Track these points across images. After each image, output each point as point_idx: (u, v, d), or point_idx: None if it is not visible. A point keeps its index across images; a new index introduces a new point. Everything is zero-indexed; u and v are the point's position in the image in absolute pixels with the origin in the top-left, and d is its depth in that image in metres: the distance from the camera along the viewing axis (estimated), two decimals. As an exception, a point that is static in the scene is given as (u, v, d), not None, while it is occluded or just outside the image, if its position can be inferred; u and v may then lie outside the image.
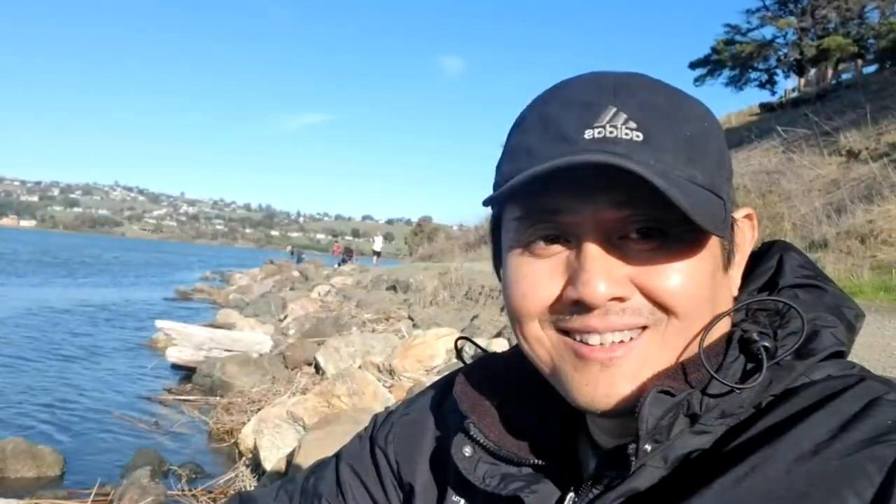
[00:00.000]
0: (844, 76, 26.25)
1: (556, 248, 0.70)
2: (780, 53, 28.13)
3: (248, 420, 6.35)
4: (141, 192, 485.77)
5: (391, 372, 7.00)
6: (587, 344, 0.68)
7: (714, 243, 0.69)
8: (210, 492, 5.25)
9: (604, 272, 0.66)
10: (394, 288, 14.47)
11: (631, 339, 0.68)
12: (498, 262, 0.79)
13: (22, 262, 40.82)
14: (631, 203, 0.65)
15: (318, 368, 8.27)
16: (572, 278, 0.68)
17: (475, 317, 9.44)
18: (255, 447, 5.56)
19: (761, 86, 30.02)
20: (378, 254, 36.91)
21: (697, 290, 0.67)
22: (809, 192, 12.27)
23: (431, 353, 7.21)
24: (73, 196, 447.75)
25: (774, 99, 27.55)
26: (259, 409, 6.59)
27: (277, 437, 5.39)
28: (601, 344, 0.68)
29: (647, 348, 0.68)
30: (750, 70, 29.42)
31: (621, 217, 0.67)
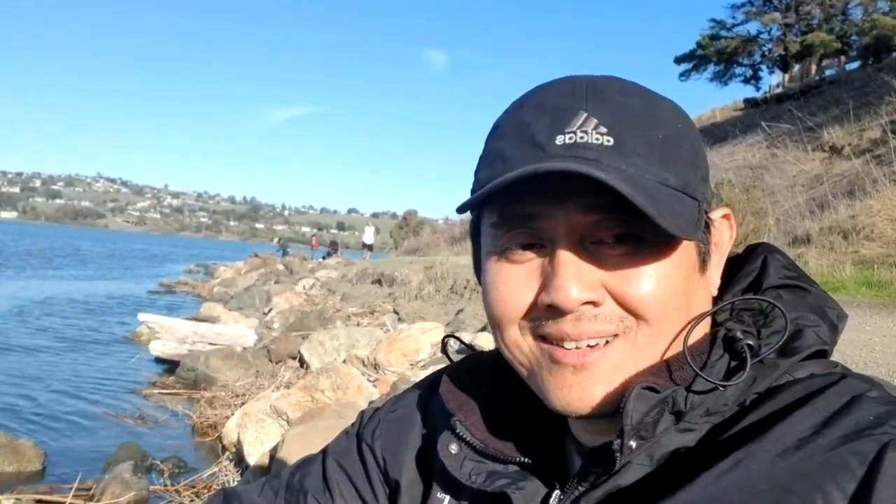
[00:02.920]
0: (828, 72, 26.50)
1: (532, 253, 0.71)
2: (765, 49, 28.36)
3: (232, 414, 6.32)
4: (124, 183, 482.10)
5: (376, 366, 6.99)
6: (562, 348, 0.69)
7: (689, 246, 0.70)
8: (193, 486, 5.22)
9: (576, 277, 0.67)
10: (379, 282, 14.45)
11: (606, 342, 0.68)
12: (478, 266, 0.81)
13: (7, 255, 40.40)
14: (602, 208, 0.66)
15: (302, 362, 8.24)
16: (546, 283, 0.69)
17: (460, 311, 9.44)
18: (239, 441, 5.53)
19: (746, 81, 30.27)
20: (370, 247, 32.09)
21: (669, 295, 0.68)
22: (793, 188, 12.37)
23: (416, 348, 7.21)
24: (55, 187, 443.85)
25: (759, 94, 27.75)
26: (243, 404, 6.57)
27: (261, 431, 5.37)
28: (576, 348, 0.69)
29: (618, 354, 0.69)
30: (735, 65, 29.63)
31: (593, 222, 0.67)
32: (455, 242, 26.16)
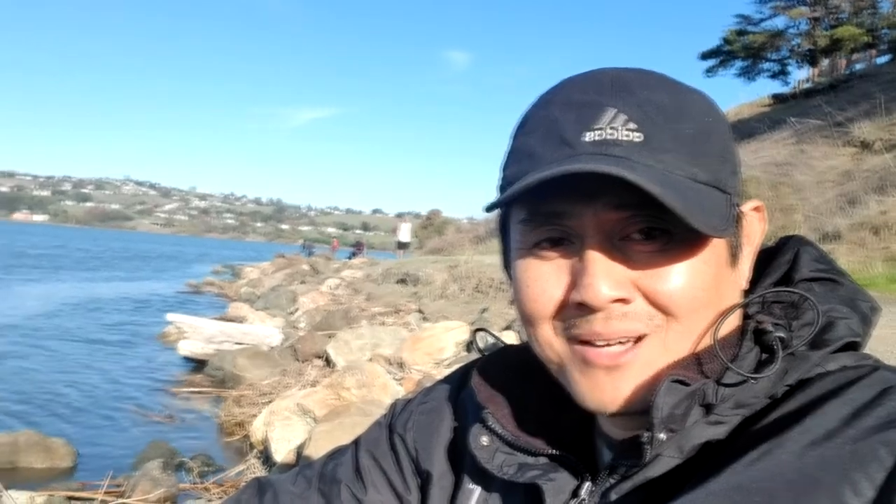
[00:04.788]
0: (857, 66, 26.05)
1: (561, 250, 0.71)
2: (793, 44, 27.96)
3: (259, 413, 6.37)
4: (152, 186, 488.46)
5: (401, 365, 7.01)
6: (593, 347, 0.69)
7: (719, 241, 0.69)
8: (221, 484, 5.27)
9: (605, 275, 0.67)
10: (403, 281, 14.47)
11: (637, 340, 0.69)
12: (507, 262, 0.81)
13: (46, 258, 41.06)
14: (631, 205, 0.66)
15: (328, 361, 8.28)
16: (575, 281, 0.69)
17: (485, 309, 9.42)
18: (266, 439, 5.58)
19: (773, 76, 29.86)
20: (405, 245, 28.98)
21: (699, 292, 0.68)
22: (822, 184, 12.20)
23: (441, 346, 7.22)
24: (84, 191, 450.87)
25: (787, 90, 27.37)
26: (269, 402, 6.61)
27: (288, 429, 5.41)
28: (606, 346, 0.69)
29: (650, 352, 0.69)
30: (762, 61, 29.25)
31: (622, 219, 0.67)
32: (479, 241, 26.14)
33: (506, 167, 0.75)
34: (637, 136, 0.66)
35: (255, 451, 5.84)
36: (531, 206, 0.71)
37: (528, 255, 0.73)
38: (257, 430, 5.94)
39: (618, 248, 0.68)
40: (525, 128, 0.74)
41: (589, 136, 0.67)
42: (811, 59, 27.52)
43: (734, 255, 0.73)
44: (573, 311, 0.70)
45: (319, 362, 8.53)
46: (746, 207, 0.76)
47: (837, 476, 0.56)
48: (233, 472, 5.51)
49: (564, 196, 0.68)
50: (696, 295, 0.67)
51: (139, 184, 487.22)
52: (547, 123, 0.71)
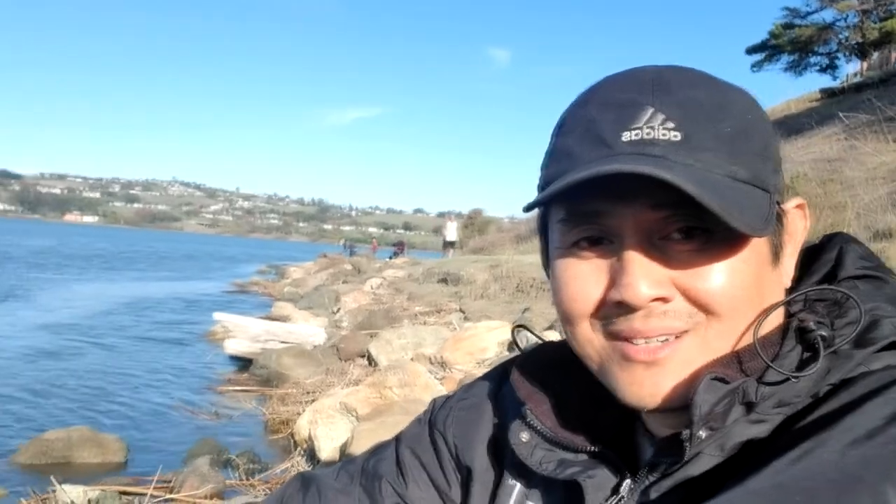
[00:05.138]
0: (910, 59, 25.26)
1: (600, 249, 0.71)
2: (842, 37, 27.23)
3: (303, 411, 6.46)
4: (198, 187, 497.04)
5: (442, 364, 7.04)
6: (632, 344, 0.69)
7: (760, 240, 0.69)
8: (267, 482, 5.37)
9: (644, 274, 0.67)
10: (444, 281, 14.51)
11: (677, 337, 0.68)
12: (546, 261, 0.81)
13: (86, 258, 42.14)
14: (670, 204, 0.66)
15: (370, 360, 8.36)
16: (614, 280, 0.69)
17: (526, 309, 9.40)
18: (310, 437, 5.66)
19: (822, 70, 29.12)
20: (452, 244, 27.93)
21: (739, 291, 0.67)
22: (873, 180, 11.87)
23: (483, 346, 7.22)
24: (133, 192, 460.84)
25: (836, 84, 26.66)
26: (313, 400, 6.71)
27: (331, 427, 5.48)
28: (646, 344, 0.69)
29: (689, 349, 0.68)
30: (810, 55, 28.55)
31: (660, 218, 0.67)
32: (521, 241, 26.01)
33: (545, 167, 0.76)
34: (675, 136, 0.66)
35: (299, 448, 5.92)
36: (569, 206, 0.72)
37: (567, 255, 0.73)
38: (302, 428, 6.03)
39: (657, 248, 0.68)
40: (564, 128, 0.74)
41: (627, 136, 0.67)
42: (861, 52, 26.78)
43: (776, 254, 0.72)
44: (612, 309, 0.70)
45: (362, 361, 8.62)
46: (789, 205, 0.75)
47: (879, 475, 0.55)
48: (278, 470, 5.61)
49: (602, 196, 0.68)
50: (737, 293, 0.67)
51: (185, 185, 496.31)
52: (585, 123, 0.71)
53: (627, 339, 0.70)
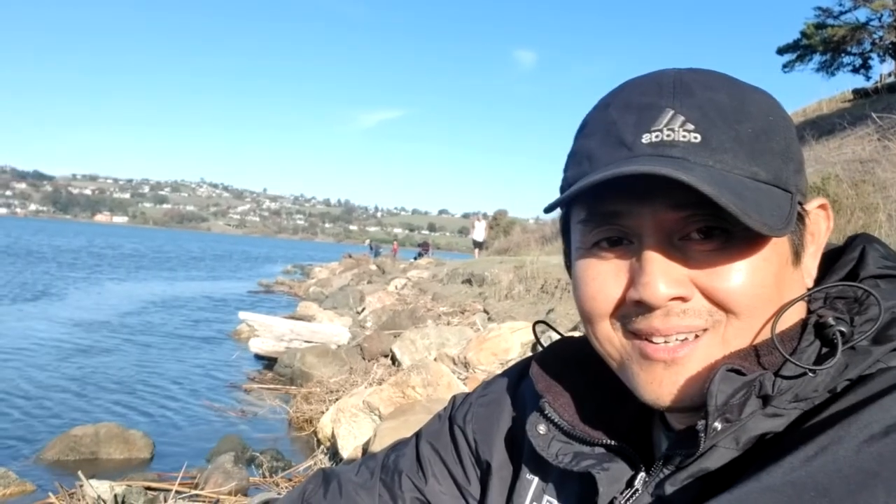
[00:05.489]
0: (946, 59, 24.78)
1: (620, 249, 0.72)
2: (875, 37, 26.75)
3: (327, 409, 6.49)
4: (225, 188, 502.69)
5: (466, 364, 7.02)
6: (652, 343, 0.70)
7: (781, 239, 0.69)
8: (290, 479, 5.39)
9: (663, 273, 0.67)
10: (469, 281, 14.50)
11: (696, 336, 0.69)
12: (568, 262, 0.82)
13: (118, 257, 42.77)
14: (689, 205, 0.67)
15: (394, 360, 8.37)
16: (634, 280, 0.70)
17: (551, 310, 9.36)
18: (333, 436, 5.68)
19: (855, 71, 28.63)
20: (481, 245, 27.39)
21: (759, 289, 0.68)
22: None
23: (506, 347, 7.20)
24: (161, 193, 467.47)
25: (869, 84, 26.22)
26: (337, 399, 6.73)
27: (354, 425, 5.49)
28: (665, 343, 0.69)
29: (708, 348, 0.69)
30: (842, 55, 28.09)
31: (680, 218, 0.68)
32: (545, 242, 25.93)
33: (567, 169, 0.77)
34: (695, 137, 0.67)
35: (322, 447, 5.95)
36: (590, 207, 0.73)
37: (588, 255, 0.74)
38: (325, 426, 6.05)
39: (676, 248, 0.69)
40: (585, 130, 0.76)
41: (647, 138, 0.68)
42: (894, 52, 26.33)
43: (797, 254, 0.72)
44: (631, 308, 0.71)
45: (386, 361, 8.64)
46: (811, 206, 0.75)
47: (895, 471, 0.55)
48: (301, 468, 5.63)
49: (622, 197, 0.69)
50: (756, 292, 0.67)
51: (213, 186, 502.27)
52: (606, 126, 0.72)
53: (647, 338, 0.71)
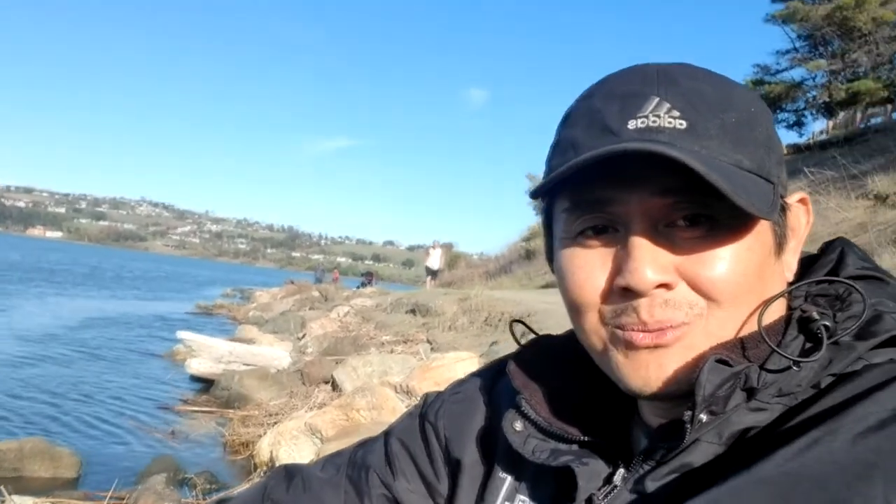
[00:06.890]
0: (874, 120, 26.11)
1: (605, 238, 0.71)
2: (810, 95, 27.99)
3: (265, 433, 6.36)
4: (166, 208, 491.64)
5: (408, 393, 6.99)
6: (637, 332, 0.69)
7: (764, 229, 0.69)
8: (223, 501, 5.25)
9: (651, 260, 0.66)
10: (413, 311, 14.45)
11: (682, 324, 0.68)
12: (550, 256, 0.81)
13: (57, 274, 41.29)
14: (676, 190, 0.66)
15: (335, 386, 8.27)
16: (620, 266, 0.68)
17: (494, 342, 9.40)
18: (272, 459, 5.57)
19: (790, 127, 29.83)
20: (434, 273, 25.95)
21: (741, 278, 0.67)
22: (836, 235, 12.16)
23: (450, 377, 7.17)
24: (100, 209, 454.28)
25: (802, 140, 27.40)
26: (276, 423, 6.61)
27: (295, 448, 5.41)
28: (649, 331, 0.68)
29: (692, 335, 0.68)
30: (779, 111, 29.31)
31: (666, 204, 0.67)
32: (490, 277, 26.07)
33: (550, 159, 0.76)
34: (681, 123, 0.67)
35: (259, 470, 5.82)
36: (574, 194, 0.72)
37: (573, 244, 0.73)
38: (263, 449, 5.93)
39: (662, 235, 0.68)
40: (569, 121, 0.75)
41: (633, 124, 0.67)
42: (828, 111, 27.58)
43: (779, 244, 0.72)
44: (617, 297, 0.70)
45: (326, 387, 8.52)
46: (792, 199, 0.75)
47: (894, 462, 0.55)
48: (236, 491, 5.49)
49: (608, 182, 0.68)
50: (739, 280, 0.67)
51: (154, 205, 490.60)
52: (590, 114, 0.71)
53: (632, 329, 0.69)
